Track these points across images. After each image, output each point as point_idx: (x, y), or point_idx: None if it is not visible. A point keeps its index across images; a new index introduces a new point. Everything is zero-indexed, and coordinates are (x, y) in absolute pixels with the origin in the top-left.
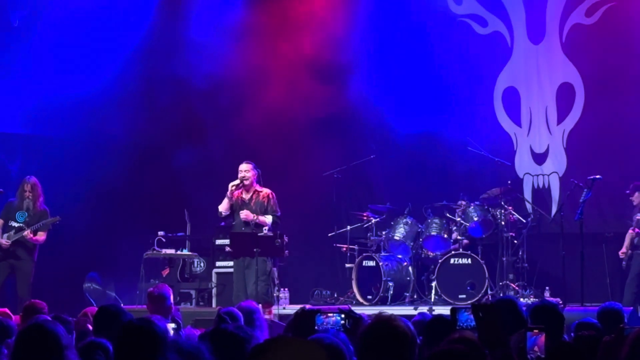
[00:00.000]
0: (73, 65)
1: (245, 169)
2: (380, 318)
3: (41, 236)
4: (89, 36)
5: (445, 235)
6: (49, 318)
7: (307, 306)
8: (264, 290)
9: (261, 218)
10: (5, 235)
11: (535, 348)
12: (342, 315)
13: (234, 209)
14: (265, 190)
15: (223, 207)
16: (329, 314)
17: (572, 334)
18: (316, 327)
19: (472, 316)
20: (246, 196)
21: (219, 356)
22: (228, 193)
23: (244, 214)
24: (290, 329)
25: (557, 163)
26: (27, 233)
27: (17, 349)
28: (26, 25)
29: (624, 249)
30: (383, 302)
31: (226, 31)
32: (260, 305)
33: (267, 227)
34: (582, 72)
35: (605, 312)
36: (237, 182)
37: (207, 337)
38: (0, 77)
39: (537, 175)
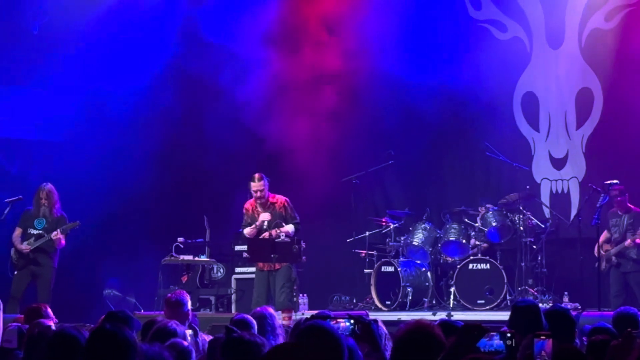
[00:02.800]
0: (92, 71)
1: (259, 188)
2: (418, 324)
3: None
4: (107, 43)
5: (464, 241)
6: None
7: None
8: (289, 297)
9: (283, 230)
10: (25, 242)
11: (543, 353)
12: (352, 321)
13: (252, 221)
14: (280, 199)
15: (249, 233)
16: (339, 320)
17: (584, 338)
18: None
19: (490, 342)
20: (262, 210)
21: None
22: (257, 224)
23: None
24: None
25: (576, 168)
26: (55, 234)
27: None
28: (45, 33)
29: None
30: (402, 307)
31: (248, 37)
32: (280, 311)
33: (289, 235)
34: (601, 76)
35: (621, 317)
36: (267, 217)
37: (217, 344)
38: (19, 84)
39: (556, 180)
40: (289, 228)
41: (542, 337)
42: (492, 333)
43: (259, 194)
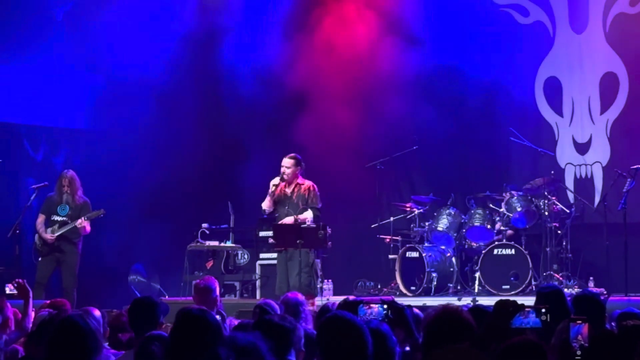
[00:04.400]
0: (117, 58)
1: (286, 165)
2: (446, 308)
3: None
4: (132, 30)
5: (489, 226)
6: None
7: (351, 297)
8: (307, 282)
9: (301, 216)
10: (49, 229)
11: (579, 337)
12: (385, 306)
13: (277, 202)
14: (307, 183)
15: (266, 204)
16: (372, 305)
17: (612, 324)
18: (359, 318)
19: (526, 319)
20: (288, 190)
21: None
22: (270, 191)
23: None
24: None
25: (600, 153)
26: (80, 221)
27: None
28: (69, 19)
29: None
30: (427, 293)
31: (276, 23)
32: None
33: (312, 221)
34: (626, 61)
35: None
36: (276, 181)
37: (248, 327)
38: (43, 71)
39: (580, 165)
40: (308, 215)
41: (578, 322)
42: (527, 309)
43: (284, 170)
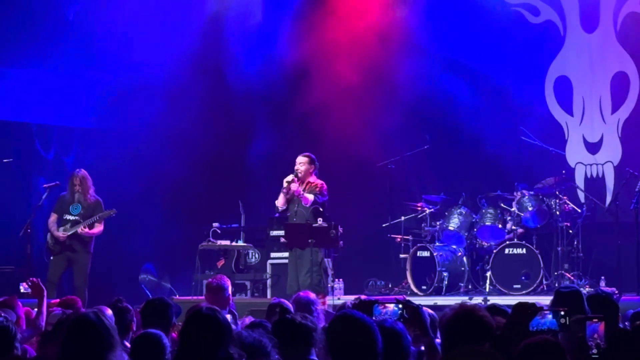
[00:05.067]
0: (128, 58)
1: (300, 162)
2: (464, 308)
3: (98, 227)
4: (143, 29)
5: (500, 226)
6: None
7: (363, 296)
8: (316, 281)
9: (305, 195)
10: (61, 228)
11: (595, 335)
12: (400, 305)
13: (289, 201)
14: (318, 181)
15: (279, 202)
16: (387, 304)
17: (626, 323)
18: (374, 318)
19: (543, 320)
20: (300, 188)
21: (285, 346)
22: (283, 189)
23: (294, 186)
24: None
25: (611, 152)
26: (81, 229)
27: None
28: (81, 19)
29: None
30: (438, 292)
31: (282, 16)
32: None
33: (309, 203)
34: (637, 61)
35: None
36: (290, 177)
37: (260, 326)
38: (54, 70)
39: (591, 165)
40: (309, 196)
41: (594, 321)
42: (545, 311)
43: (298, 167)
